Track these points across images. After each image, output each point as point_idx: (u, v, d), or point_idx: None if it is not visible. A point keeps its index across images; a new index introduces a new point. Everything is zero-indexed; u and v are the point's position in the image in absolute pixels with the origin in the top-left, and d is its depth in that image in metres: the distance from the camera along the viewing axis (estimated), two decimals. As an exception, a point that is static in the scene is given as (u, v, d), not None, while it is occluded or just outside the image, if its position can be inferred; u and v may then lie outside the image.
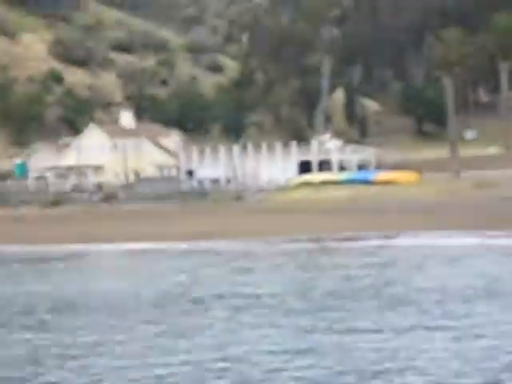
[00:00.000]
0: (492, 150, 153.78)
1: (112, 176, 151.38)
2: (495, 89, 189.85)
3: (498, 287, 60.10)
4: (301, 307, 57.57)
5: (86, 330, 51.84)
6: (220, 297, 61.88)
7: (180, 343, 46.00)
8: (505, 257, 73.50)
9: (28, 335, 49.81)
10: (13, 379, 41.32)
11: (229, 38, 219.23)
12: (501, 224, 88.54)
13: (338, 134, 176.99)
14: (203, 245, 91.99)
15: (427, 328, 46.90)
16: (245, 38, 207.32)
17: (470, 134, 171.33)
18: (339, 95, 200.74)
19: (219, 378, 38.55)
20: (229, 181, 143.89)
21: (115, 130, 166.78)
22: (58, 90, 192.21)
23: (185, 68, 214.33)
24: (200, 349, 44.12)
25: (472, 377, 37.60)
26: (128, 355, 43.42)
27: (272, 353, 43.22)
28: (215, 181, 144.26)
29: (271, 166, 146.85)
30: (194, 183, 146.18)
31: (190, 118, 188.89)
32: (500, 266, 69.99)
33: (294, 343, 46.71)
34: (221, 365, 40.26)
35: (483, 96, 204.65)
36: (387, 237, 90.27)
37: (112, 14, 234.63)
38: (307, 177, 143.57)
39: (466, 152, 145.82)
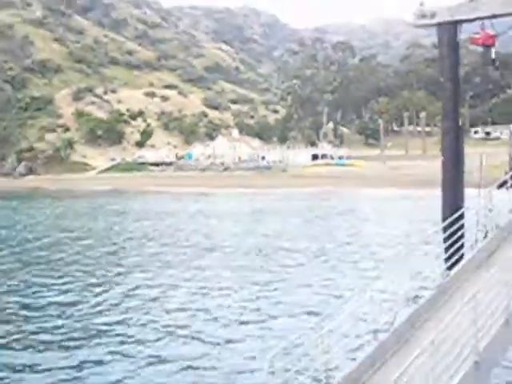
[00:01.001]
0: (399, 152, 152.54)
1: (228, 159, 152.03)
2: (401, 124, 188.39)
3: (398, 211, 61.12)
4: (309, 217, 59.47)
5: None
6: (275, 211, 63.61)
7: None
8: (405, 199, 74.18)
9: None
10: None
11: (282, 98, 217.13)
12: (403, 185, 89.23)
13: (330, 143, 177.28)
14: (271, 191, 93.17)
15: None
16: (289, 98, 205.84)
17: (389, 145, 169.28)
18: (330, 125, 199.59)
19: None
20: (280, 162, 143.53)
21: (230, 139, 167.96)
22: (205, 120, 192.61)
23: (261, 111, 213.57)
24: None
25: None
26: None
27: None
28: (274, 162, 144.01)
29: (300, 155, 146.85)
30: (265, 163, 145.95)
31: (263, 133, 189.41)
32: (403, 203, 71.10)
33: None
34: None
35: (395, 127, 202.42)
36: (351, 187, 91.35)
37: (229, 86, 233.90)
38: (316, 161, 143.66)
39: (387, 153, 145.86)
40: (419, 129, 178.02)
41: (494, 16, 17.05)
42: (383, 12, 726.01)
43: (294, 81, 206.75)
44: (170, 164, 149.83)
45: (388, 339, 11.87)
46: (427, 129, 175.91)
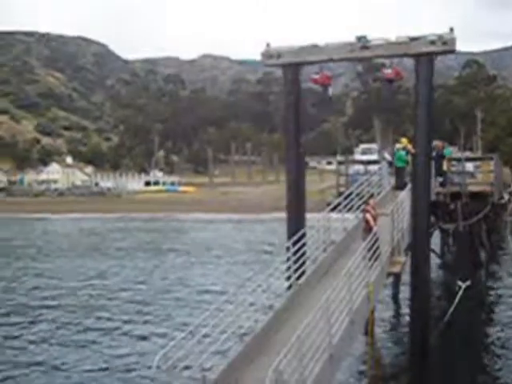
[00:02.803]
0: (227, 179, 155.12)
1: (62, 185, 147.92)
2: (228, 153, 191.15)
3: (240, 233, 62.45)
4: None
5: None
6: (112, 232, 62.99)
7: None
8: (237, 223, 75.83)
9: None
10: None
11: (115, 126, 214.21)
12: (235, 209, 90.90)
13: (161, 170, 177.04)
14: (106, 216, 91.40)
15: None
16: (122, 127, 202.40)
17: (217, 172, 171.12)
18: (161, 153, 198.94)
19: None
20: (114, 188, 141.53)
21: (63, 165, 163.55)
22: (37, 146, 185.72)
23: (94, 139, 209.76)
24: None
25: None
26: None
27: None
28: (108, 188, 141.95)
29: (133, 182, 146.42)
30: (99, 189, 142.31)
31: (96, 160, 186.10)
32: (231, 226, 72.70)
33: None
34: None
35: (223, 156, 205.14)
36: (185, 212, 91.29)
37: (62, 113, 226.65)
38: (149, 187, 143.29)
39: (216, 180, 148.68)
40: (245, 158, 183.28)
41: (332, 60, 18.85)
42: (210, 48, 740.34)
43: (127, 110, 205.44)
44: (2, 189, 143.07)
45: (252, 340, 12.91)
46: (252, 158, 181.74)
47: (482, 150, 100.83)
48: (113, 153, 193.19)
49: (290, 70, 19.30)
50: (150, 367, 15.22)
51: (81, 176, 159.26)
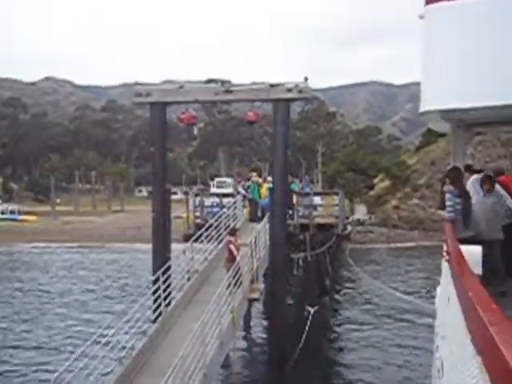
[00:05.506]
0: (69, 208, 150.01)
1: None
2: (70, 181, 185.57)
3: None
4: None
5: None
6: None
7: None
8: (82, 253, 74.18)
9: None
10: None
11: None
12: (76, 239, 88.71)
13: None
14: None
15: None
16: None
17: (58, 201, 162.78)
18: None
19: None
20: None
21: None
22: None
23: None
24: None
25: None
26: None
27: None
28: None
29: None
30: None
31: None
32: (77, 256, 70.92)
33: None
34: None
35: (64, 184, 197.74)
36: (26, 242, 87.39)
37: None
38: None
39: (58, 208, 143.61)
40: (88, 186, 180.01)
41: (197, 101, 20.41)
42: (52, 72, 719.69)
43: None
44: None
45: (131, 363, 13.91)
46: (96, 187, 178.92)
47: (322, 182, 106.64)
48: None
49: (158, 108, 20.60)
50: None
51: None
